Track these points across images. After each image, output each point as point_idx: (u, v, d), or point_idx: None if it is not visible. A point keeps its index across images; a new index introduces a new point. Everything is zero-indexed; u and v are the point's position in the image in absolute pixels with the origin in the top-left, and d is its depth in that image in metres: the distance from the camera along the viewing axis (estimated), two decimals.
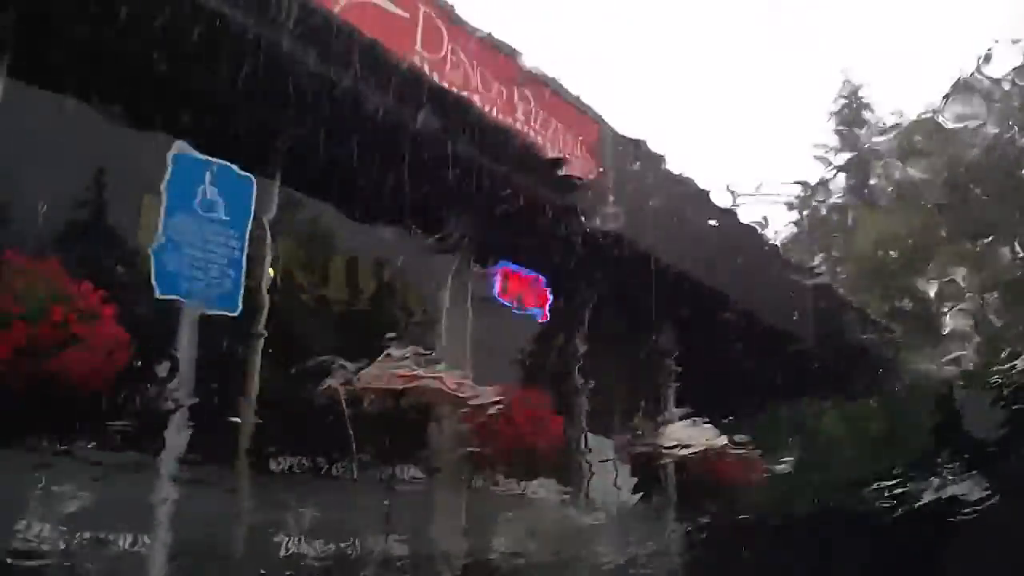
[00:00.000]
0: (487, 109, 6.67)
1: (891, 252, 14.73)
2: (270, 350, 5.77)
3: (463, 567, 6.70)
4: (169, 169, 5.34)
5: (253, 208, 5.71)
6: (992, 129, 15.12)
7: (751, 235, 9.92)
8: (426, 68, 6.20)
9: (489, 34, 6.80)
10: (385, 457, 6.69)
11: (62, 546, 4.74)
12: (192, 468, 5.25)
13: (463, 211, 7.09)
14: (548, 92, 7.21)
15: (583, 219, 7.30)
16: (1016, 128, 15.16)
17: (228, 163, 5.59)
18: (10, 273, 4.55)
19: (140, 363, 4.94)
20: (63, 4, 4.66)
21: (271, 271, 6.02)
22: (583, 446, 8.25)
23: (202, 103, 5.30)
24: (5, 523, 4.59)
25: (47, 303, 4.54)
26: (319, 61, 5.36)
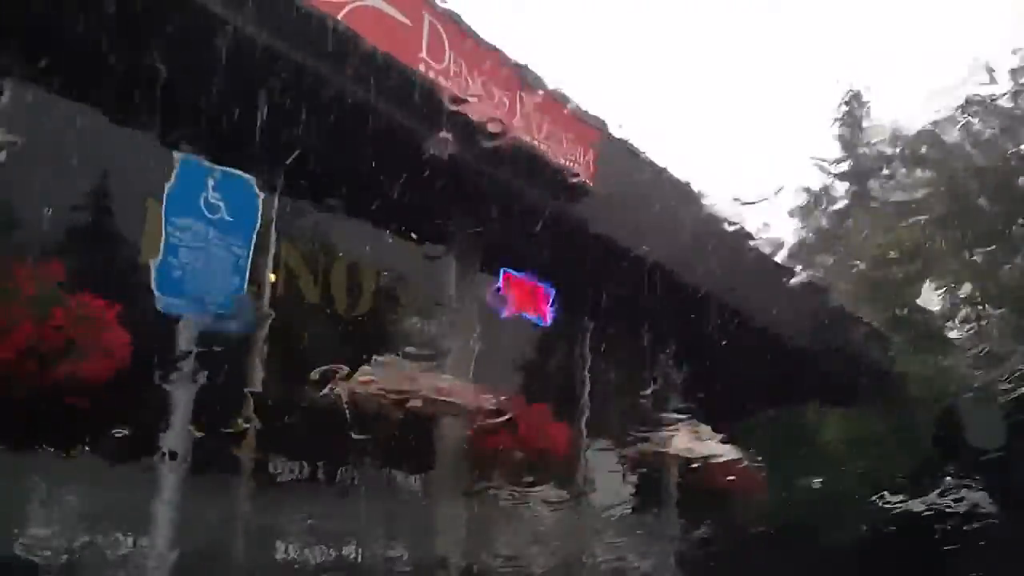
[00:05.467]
0: (490, 116, 6.66)
1: (892, 261, 14.69)
2: (272, 355, 5.76)
3: (463, 574, 6.70)
4: (173, 175, 5.34)
5: (259, 215, 5.71)
6: (995, 138, 15.15)
7: (752, 243, 9.92)
8: (431, 75, 6.20)
9: (496, 48, 6.82)
10: (386, 463, 6.69)
11: (62, 550, 4.73)
12: (192, 473, 5.24)
13: (467, 218, 7.09)
14: (550, 99, 7.21)
15: (586, 226, 7.31)
16: (1018, 137, 15.16)
17: (232, 169, 5.58)
18: (12, 276, 4.55)
19: (142, 367, 4.93)
20: (68, 9, 4.66)
21: (273, 277, 6.02)
22: (586, 454, 8.23)
23: (205, 110, 5.30)
24: (6, 526, 4.59)
25: (48, 307, 4.54)
26: (324, 67, 5.36)
